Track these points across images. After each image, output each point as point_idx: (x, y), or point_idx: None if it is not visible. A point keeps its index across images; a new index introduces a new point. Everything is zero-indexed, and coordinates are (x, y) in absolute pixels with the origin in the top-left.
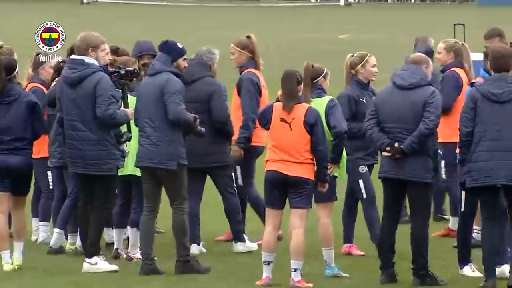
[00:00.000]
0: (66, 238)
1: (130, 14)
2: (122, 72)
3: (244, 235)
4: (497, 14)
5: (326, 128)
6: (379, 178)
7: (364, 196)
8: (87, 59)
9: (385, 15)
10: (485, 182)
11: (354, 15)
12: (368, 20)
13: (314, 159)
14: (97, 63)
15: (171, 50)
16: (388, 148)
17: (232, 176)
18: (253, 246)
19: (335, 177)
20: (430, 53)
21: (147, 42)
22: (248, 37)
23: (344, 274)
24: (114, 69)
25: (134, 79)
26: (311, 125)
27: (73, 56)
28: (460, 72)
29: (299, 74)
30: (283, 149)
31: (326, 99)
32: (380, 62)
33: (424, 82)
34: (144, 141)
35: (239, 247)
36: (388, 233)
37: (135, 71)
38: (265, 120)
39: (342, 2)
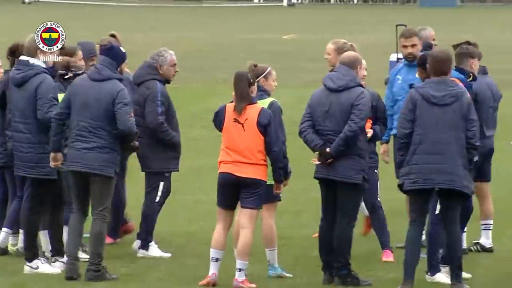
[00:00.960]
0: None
1: (73, 14)
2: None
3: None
4: (438, 14)
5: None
6: (314, 178)
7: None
8: (32, 60)
9: (329, 16)
10: (424, 185)
11: (298, 15)
12: (311, 20)
13: (268, 160)
14: (43, 65)
15: (116, 56)
16: (317, 156)
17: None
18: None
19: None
20: (429, 46)
21: (91, 43)
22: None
23: (287, 274)
24: (64, 71)
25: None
26: (264, 126)
27: (21, 57)
28: None
29: (251, 75)
30: (236, 150)
31: (266, 101)
32: (322, 61)
33: (353, 84)
34: (80, 145)
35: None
36: (327, 233)
37: (75, 73)
38: (219, 121)
39: (285, 3)
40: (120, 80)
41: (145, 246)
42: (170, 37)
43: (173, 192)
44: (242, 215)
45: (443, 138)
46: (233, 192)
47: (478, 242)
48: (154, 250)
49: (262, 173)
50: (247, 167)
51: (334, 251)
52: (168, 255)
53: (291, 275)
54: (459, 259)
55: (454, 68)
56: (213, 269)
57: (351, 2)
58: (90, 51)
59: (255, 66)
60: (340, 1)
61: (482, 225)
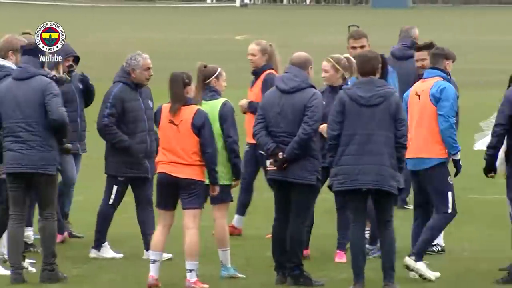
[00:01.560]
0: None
1: (18, 15)
2: (53, 78)
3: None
4: (390, 15)
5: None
6: (268, 179)
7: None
8: (3, 62)
9: (281, 16)
10: (351, 185)
11: (250, 16)
12: (264, 21)
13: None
14: (14, 66)
15: (40, 53)
16: (271, 161)
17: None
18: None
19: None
20: (415, 45)
21: (66, 44)
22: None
23: (240, 275)
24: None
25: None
26: (199, 127)
27: None
28: (275, 74)
29: (186, 75)
30: (172, 151)
31: (219, 102)
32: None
33: (305, 85)
34: (18, 146)
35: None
36: (280, 234)
37: (54, 77)
38: (157, 121)
39: (238, 3)
40: (46, 76)
41: (98, 246)
42: (122, 37)
43: (126, 194)
44: (186, 217)
45: (372, 139)
46: (171, 192)
47: (436, 244)
48: (106, 251)
49: (199, 173)
50: (183, 168)
51: (287, 251)
52: (121, 255)
53: (243, 276)
54: (392, 259)
55: (430, 68)
56: (152, 272)
57: (304, 3)
58: (67, 52)
59: (205, 66)
60: (292, 1)
61: None
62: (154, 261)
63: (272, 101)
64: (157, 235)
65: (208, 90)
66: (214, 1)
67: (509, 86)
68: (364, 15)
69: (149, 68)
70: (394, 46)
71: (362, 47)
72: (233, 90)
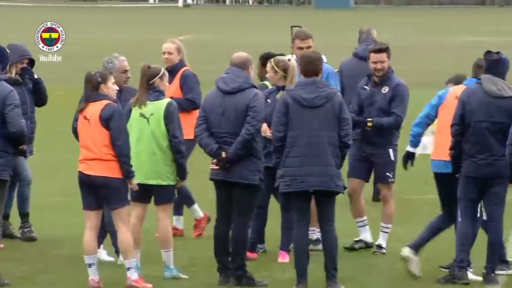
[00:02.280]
0: None
1: None
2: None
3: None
4: (333, 16)
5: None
6: (210, 179)
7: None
8: None
9: (224, 17)
10: (297, 187)
11: (193, 16)
12: (207, 21)
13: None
14: None
15: (3, 57)
16: (215, 161)
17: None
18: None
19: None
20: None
21: (22, 45)
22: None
23: (183, 276)
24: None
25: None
26: (106, 119)
27: None
28: (191, 70)
29: (99, 74)
30: (85, 146)
31: (164, 102)
32: (217, 62)
33: (246, 85)
34: None
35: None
36: (222, 234)
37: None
38: (75, 119)
39: (180, 4)
40: (8, 81)
41: None
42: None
43: (70, 194)
44: (113, 217)
45: (316, 140)
46: (90, 191)
47: (360, 240)
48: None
49: (112, 169)
50: (95, 164)
51: (229, 252)
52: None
53: (187, 277)
54: (335, 259)
55: (473, 77)
56: (91, 275)
57: (247, 4)
58: (22, 53)
59: (149, 67)
60: (235, 2)
61: (358, 222)
62: (90, 265)
63: (214, 102)
64: (86, 239)
65: (152, 90)
66: (156, 1)
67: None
68: (307, 15)
69: (126, 71)
70: (357, 47)
71: (308, 47)
72: None
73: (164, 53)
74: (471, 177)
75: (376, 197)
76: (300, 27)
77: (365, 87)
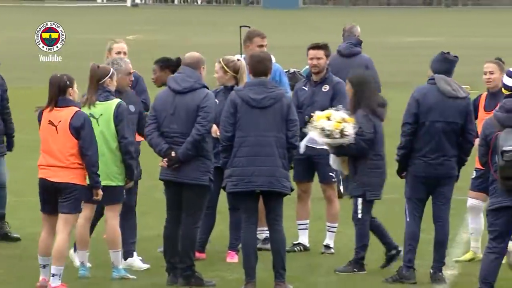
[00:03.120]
0: None
1: None
2: None
3: None
4: (281, 16)
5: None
6: (160, 180)
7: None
8: None
9: (173, 16)
10: (244, 187)
11: (142, 16)
12: (155, 20)
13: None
14: None
15: None
16: (165, 160)
17: None
18: None
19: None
20: (360, 43)
21: None
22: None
23: (131, 276)
24: None
25: None
26: (77, 129)
27: None
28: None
29: (67, 77)
30: (50, 153)
31: (114, 102)
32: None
33: (198, 85)
34: None
35: None
36: (172, 234)
37: None
38: (39, 123)
39: (129, 3)
40: None
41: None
42: (10, 36)
43: (21, 194)
44: (58, 220)
45: (264, 140)
46: (52, 197)
47: (299, 243)
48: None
49: (77, 176)
50: (60, 171)
51: (178, 252)
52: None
53: (135, 277)
54: (283, 259)
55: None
56: (42, 275)
57: (195, 3)
58: None
59: (98, 67)
60: (184, 1)
61: (300, 224)
62: (44, 266)
63: (165, 101)
64: (42, 241)
65: (102, 90)
66: (104, 1)
67: None
68: (256, 15)
69: (130, 73)
70: (340, 44)
71: (266, 46)
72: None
73: (119, 52)
74: (421, 177)
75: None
76: (249, 27)
77: (304, 87)
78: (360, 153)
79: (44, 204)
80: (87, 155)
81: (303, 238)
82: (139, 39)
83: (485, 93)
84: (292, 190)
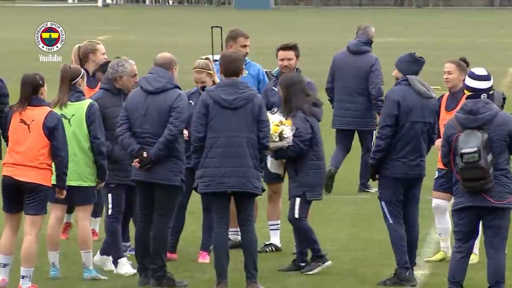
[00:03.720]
0: None
1: None
2: None
3: None
4: (253, 16)
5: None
6: (132, 180)
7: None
8: None
9: (144, 17)
10: (216, 188)
11: (113, 16)
12: (127, 21)
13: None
14: None
15: None
16: (137, 160)
17: None
18: None
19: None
20: (370, 43)
21: None
22: None
23: (102, 277)
24: None
25: None
26: (51, 129)
27: None
28: None
29: (39, 77)
30: (19, 152)
31: (85, 103)
32: (137, 62)
33: (170, 86)
34: None
35: None
36: (143, 235)
37: None
38: (7, 122)
39: (100, 3)
40: None
41: (114, 261)
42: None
43: None
44: (25, 222)
45: (235, 141)
46: (16, 195)
47: (270, 243)
48: (121, 267)
49: (44, 177)
50: (28, 171)
51: (150, 252)
52: (134, 271)
53: (106, 278)
54: (254, 259)
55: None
56: (2, 275)
57: (166, 4)
58: None
59: (70, 67)
60: (155, 2)
61: (271, 225)
62: (5, 265)
63: (137, 102)
64: (5, 239)
65: (73, 91)
66: (75, 1)
67: None
68: (227, 15)
69: (135, 75)
70: (351, 41)
71: (248, 46)
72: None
73: (104, 53)
74: (401, 179)
75: (362, 189)
76: (221, 27)
77: (274, 88)
78: (299, 155)
79: (6, 203)
80: (61, 156)
81: (275, 239)
82: (109, 39)
83: (447, 94)
84: (263, 190)
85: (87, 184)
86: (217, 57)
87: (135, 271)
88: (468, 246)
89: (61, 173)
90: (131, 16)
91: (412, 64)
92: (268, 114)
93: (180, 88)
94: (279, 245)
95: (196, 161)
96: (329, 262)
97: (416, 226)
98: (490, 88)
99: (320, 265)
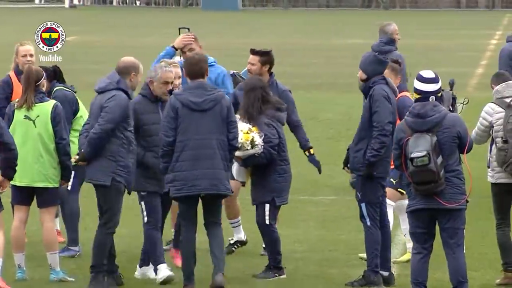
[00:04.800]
0: None
1: None
2: None
3: None
4: (221, 17)
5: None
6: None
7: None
8: None
9: (111, 18)
10: (188, 192)
11: (80, 17)
12: (94, 22)
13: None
14: None
15: None
16: (74, 157)
17: None
18: None
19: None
20: (392, 41)
21: None
22: None
23: (69, 278)
24: None
25: None
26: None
27: None
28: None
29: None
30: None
31: (50, 104)
32: (104, 63)
33: (111, 87)
34: None
35: None
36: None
37: None
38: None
39: (67, 4)
40: None
41: (155, 268)
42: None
43: None
44: None
45: (205, 143)
46: None
47: (236, 241)
48: (161, 272)
49: None
50: None
51: (115, 255)
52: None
53: (73, 279)
54: (223, 262)
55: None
56: None
57: (134, 5)
58: None
59: (34, 69)
60: (122, 3)
61: (232, 223)
62: None
63: (92, 102)
64: None
65: (37, 92)
66: (42, 2)
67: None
68: (195, 16)
69: (167, 82)
70: (374, 42)
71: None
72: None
73: (25, 55)
74: (383, 179)
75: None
76: (188, 28)
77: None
78: (269, 160)
79: None
80: (13, 149)
81: (239, 235)
82: (76, 40)
83: None
84: (232, 191)
85: (51, 185)
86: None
87: (171, 274)
88: (427, 247)
89: (15, 166)
90: (98, 17)
91: (376, 65)
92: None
93: (126, 92)
94: (244, 238)
95: (165, 165)
96: (284, 276)
97: (389, 225)
98: (439, 90)
99: (276, 276)
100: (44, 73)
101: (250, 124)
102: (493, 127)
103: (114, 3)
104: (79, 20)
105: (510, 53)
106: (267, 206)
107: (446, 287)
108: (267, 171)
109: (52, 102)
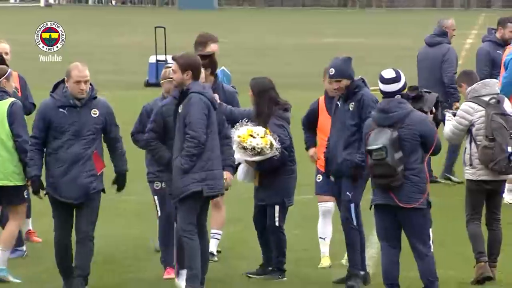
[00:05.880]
0: None
1: None
2: None
3: None
4: (197, 16)
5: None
6: None
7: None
8: None
9: (87, 17)
10: (217, 191)
11: (55, 16)
12: (69, 21)
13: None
14: None
15: None
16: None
17: None
18: None
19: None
20: (443, 33)
21: None
22: None
23: (12, 279)
24: None
25: None
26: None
27: None
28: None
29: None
30: None
31: (7, 102)
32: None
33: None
34: None
35: None
36: (64, 242)
37: None
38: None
39: (42, 3)
40: None
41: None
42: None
43: None
44: None
45: (216, 143)
46: None
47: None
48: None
49: None
50: None
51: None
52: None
53: (19, 281)
54: (207, 261)
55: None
56: None
57: (110, 4)
58: None
59: None
60: (98, 2)
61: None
62: None
63: None
64: None
65: None
66: (17, 1)
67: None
68: (171, 16)
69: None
70: (427, 35)
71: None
72: (37, 92)
73: (5, 53)
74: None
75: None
76: (164, 28)
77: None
78: (283, 162)
79: None
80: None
81: (213, 248)
82: None
83: (323, 97)
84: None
85: (12, 183)
86: (166, 57)
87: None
88: (394, 245)
89: None
90: (73, 16)
91: (351, 66)
92: (249, 126)
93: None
94: (215, 254)
95: (192, 164)
96: (285, 278)
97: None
98: (402, 89)
99: (280, 278)
100: (5, 72)
101: (256, 125)
102: (473, 126)
103: (90, 2)
104: (55, 19)
105: (487, 53)
106: (277, 207)
107: (420, 285)
108: (279, 172)
109: (9, 100)
